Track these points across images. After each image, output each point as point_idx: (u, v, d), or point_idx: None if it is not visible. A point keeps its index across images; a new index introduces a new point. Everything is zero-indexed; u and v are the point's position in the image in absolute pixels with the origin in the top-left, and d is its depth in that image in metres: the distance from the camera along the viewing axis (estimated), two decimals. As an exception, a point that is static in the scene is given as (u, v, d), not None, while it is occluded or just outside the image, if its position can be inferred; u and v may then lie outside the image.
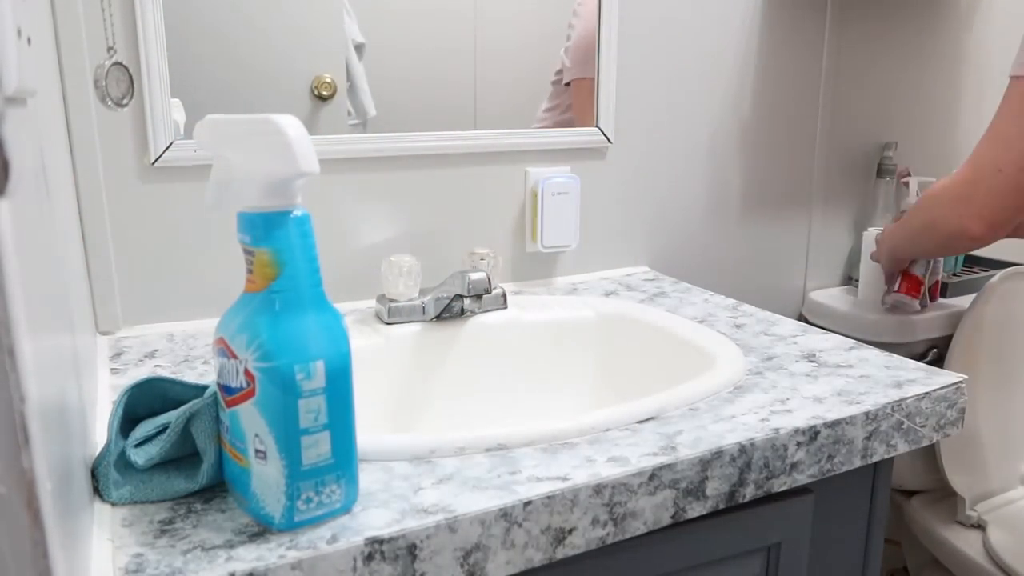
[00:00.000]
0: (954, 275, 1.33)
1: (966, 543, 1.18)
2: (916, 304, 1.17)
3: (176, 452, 0.54)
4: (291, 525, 0.49)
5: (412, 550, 0.50)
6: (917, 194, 1.26)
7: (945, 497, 1.25)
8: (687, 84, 1.14)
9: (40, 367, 0.34)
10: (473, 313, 0.90)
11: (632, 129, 1.11)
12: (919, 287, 1.15)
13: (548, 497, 0.53)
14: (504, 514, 0.52)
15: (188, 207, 0.88)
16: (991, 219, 0.92)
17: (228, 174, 0.50)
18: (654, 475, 0.57)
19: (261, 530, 0.49)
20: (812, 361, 0.77)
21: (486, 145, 1.01)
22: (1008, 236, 0.96)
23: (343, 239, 0.96)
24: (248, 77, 0.88)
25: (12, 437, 0.29)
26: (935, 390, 0.70)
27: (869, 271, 1.24)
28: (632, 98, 1.10)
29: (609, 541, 0.57)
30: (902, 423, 0.68)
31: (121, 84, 0.77)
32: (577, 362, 0.91)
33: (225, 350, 0.49)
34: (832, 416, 0.65)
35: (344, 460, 0.50)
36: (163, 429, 0.55)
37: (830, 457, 0.65)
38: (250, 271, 0.49)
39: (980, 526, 1.20)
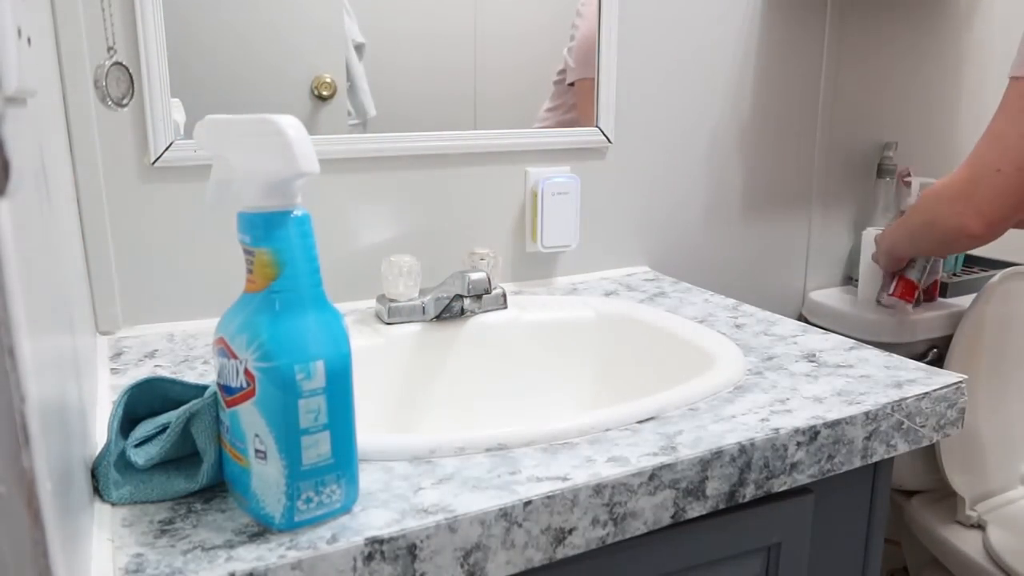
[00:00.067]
0: (954, 275, 1.33)
1: (966, 543, 1.18)
2: (909, 307, 1.19)
3: (176, 452, 0.54)
4: (291, 525, 0.49)
5: (412, 550, 0.50)
6: (918, 194, 1.26)
7: (945, 497, 1.25)
8: (687, 84, 1.14)
9: (40, 367, 0.34)
10: (473, 313, 0.90)
11: (632, 129, 1.11)
12: (914, 291, 1.16)
13: (548, 497, 0.53)
14: (504, 514, 0.52)
15: (188, 207, 0.88)
16: (990, 218, 0.92)
17: (228, 174, 0.50)
18: (654, 475, 0.57)
19: (261, 530, 0.49)
20: (812, 361, 0.77)
21: (486, 145, 1.01)
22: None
23: (343, 239, 0.96)
24: (248, 77, 0.88)
25: (12, 437, 0.29)
26: (935, 390, 0.70)
27: (868, 271, 1.24)
28: (632, 98, 1.10)
29: (609, 541, 0.57)
30: (902, 423, 0.68)
31: (121, 84, 0.77)
32: (577, 362, 0.91)
33: (225, 350, 0.49)
34: (832, 416, 0.65)
35: (344, 460, 0.50)
36: (163, 429, 0.55)
37: (830, 457, 0.65)
38: (250, 271, 0.49)
39: (980, 526, 1.20)
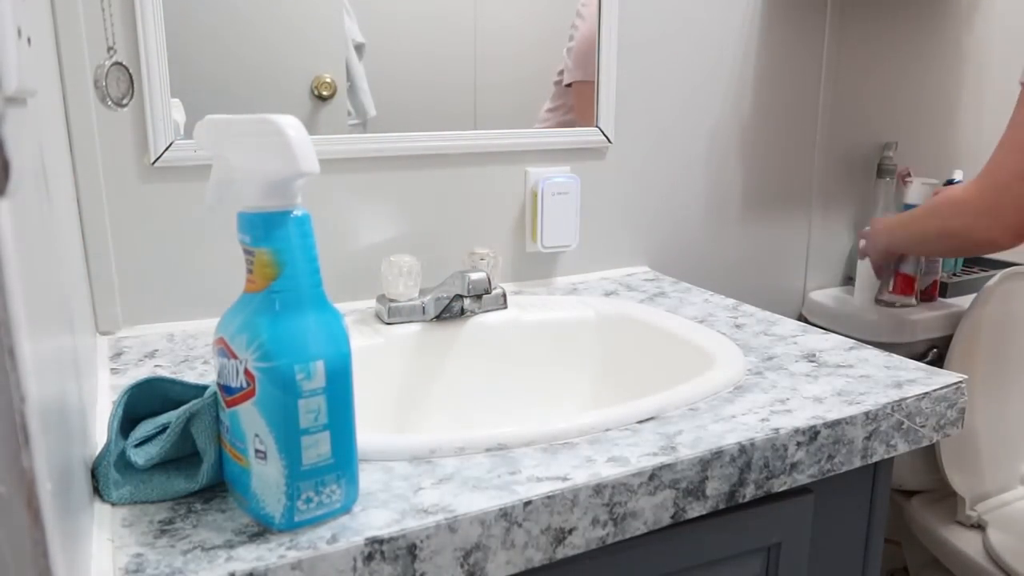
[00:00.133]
0: (954, 275, 1.33)
1: (966, 543, 1.18)
2: (912, 300, 1.20)
3: (176, 452, 0.54)
4: (291, 525, 0.49)
5: (412, 550, 0.50)
6: (919, 195, 1.26)
7: (945, 497, 1.25)
8: (687, 84, 1.14)
9: (40, 367, 0.34)
10: (473, 313, 0.90)
11: (632, 129, 1.11)
12: (912, 284, 1.19)
13: (548, 497, 0.53)
14: (504, 514, 0.52)
15: (188, 207, 0.88)
16: (1018, 229, 0.92)
17: (228, 174, 0.50)
18: (654, 475, 0.57)
19: (261, 530, 0.49)
20: (812, 361, 0.77)
21: (486, 145, 1.01)
22: None
23: (343, 239, 0.96)
24: (248, 77, 0.88)
25: (12, 437, 0.29)
26: (935, 390, 0.70)
27: (865, 272, 1.24)
28: (632, 98, 1.10)
29: (609, 541, 0.57)
30: (902, 423, 0.68)
31: (121, 84, 0.77)
32: (577, 362, 0.91)
33: (225, 350, 0.49)
34: (832, 416, 0.65)
35: (344, 460, 0.50)
36: (163, 429, 0.55)
37: (830, 457, 0.65)
38: (250, 271, 0.49)
39: (980, 526, 1.20)
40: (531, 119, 1.04)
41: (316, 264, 0.49)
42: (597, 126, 1.07)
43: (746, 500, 0.62)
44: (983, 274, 1.32)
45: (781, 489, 0.64)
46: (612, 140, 1.09)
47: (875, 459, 0.68)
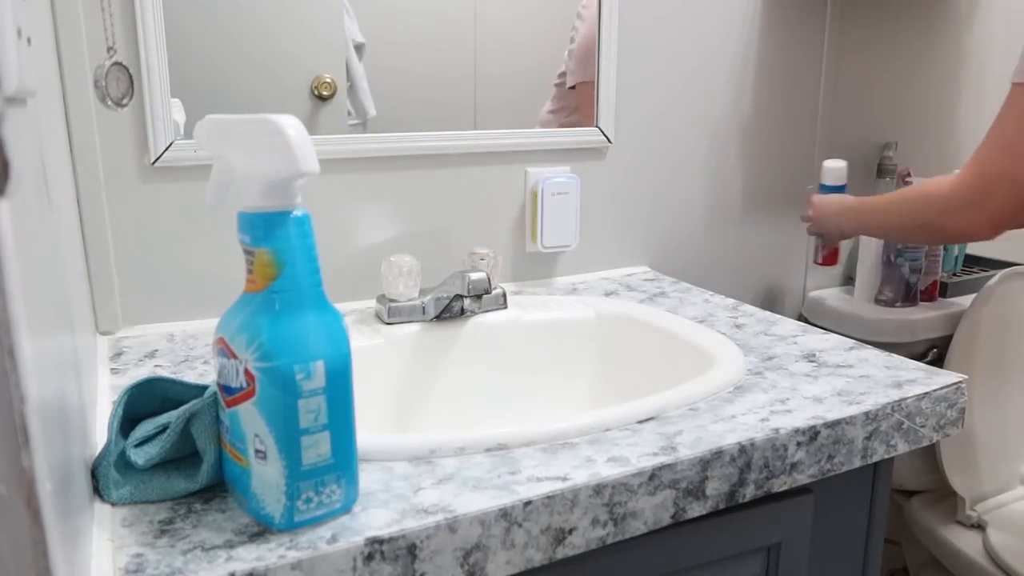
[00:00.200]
0: (954, 275, 1.33)
1: (966, 543, 1.18)
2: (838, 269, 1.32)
3: (176, 452, 0.54)
4: (291, 525, 0.49)
5: (412, 550, 0.50)
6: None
7: (945, 497, 1.25)
8: (687, 84, 1.14)
9: (40, 367, 0.34)
10: (473, 313, 0.90)
11: (632, 129, 1.11)
12: (836, 255, 1.24)
13: (548, 497, 0.53)
14: (504, 514, 0.52)
15: (188, 207, 0.88)
16: (1001, 224, 0.92)
17: (228, 174, 0.50)
18: (654, 475, 0.57)
19: (261, 530, 0.49)
20: (812, 361, 0.77)
21: (486, 145, 1.01)
22: None
23: (343, 239, 0.96)
24: (248, 77, 0.88)
25: (12, 437, 0.29)
26: (935, 390, 0.70)
27: (865, 271, 1.24)
28: (632, 98, 1.10)
29: (609, 541, 0.57)
30: (902, 423, 0.68)
31: (121, 84, 0.77)
32: (577, 362, 0.91)
33: (225, 350, 0.49)
34: (832, 416, 0.65)
35: (344, 460, 0.50)
36: (163, 429, 0.55)
37: (830, 457, 0.65)
38: (250, 271, 0.49)
39: (980, 526, 1.20)
40: (531, 117, 1.04)
41: (316, 264, 0.49)
42: (597, 126, 1.07)
43: (746, 500, 0.62)
44: (983, 274, 1.32)
45: (781, 489, 0.64)
46: (612, 140, 1.09)
47: (875, 459, 0.68)
